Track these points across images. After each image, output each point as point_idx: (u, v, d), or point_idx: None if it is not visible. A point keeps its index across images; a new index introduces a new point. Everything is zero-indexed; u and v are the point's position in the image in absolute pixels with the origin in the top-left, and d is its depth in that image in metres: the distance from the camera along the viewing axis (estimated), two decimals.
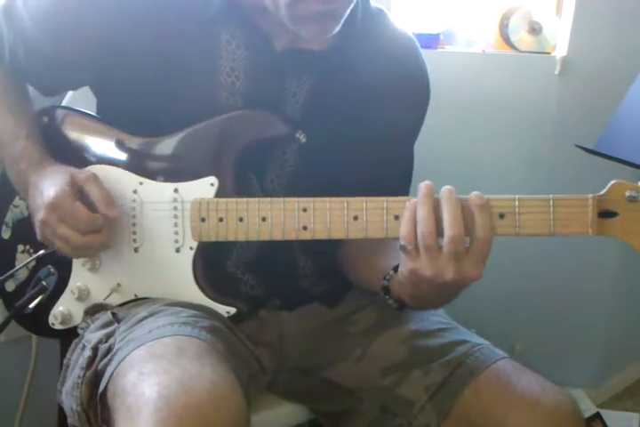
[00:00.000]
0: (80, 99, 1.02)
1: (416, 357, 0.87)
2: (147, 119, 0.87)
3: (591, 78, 1.55)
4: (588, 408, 1.64)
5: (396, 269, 0.82)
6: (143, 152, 0.88)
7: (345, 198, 0.79)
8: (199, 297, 0.86)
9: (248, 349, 0.86)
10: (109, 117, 0.92)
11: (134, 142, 0.89)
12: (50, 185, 0.83)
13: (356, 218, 0.79)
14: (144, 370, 0.69)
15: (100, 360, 0.77)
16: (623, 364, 1.87)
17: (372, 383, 0.88)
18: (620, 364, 1.86)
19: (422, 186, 0.76)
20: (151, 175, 0.87)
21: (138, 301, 0.88)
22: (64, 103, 1.06)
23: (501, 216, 0.75)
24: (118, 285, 0.89)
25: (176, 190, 0.86)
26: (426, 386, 0.84)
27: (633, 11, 1.53)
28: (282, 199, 0.81)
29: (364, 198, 0.79)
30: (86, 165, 0.89)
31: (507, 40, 1.60)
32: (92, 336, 0.82)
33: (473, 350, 0.86)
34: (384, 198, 0.78)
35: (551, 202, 0.75)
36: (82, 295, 0.90)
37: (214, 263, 0.89)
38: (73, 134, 0.93)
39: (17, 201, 0.96)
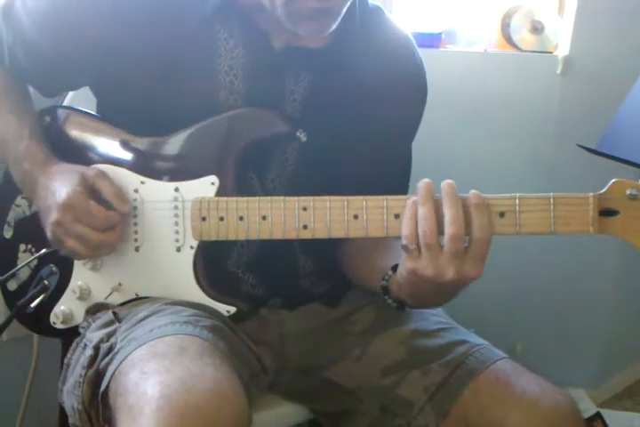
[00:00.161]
0: (80, 99, 1.02)
1: (415, 357, 0.87)
2: (147, 118, 0.87)
3: (593, 78, 1.55)
4: (589, 408, 1.64)
5: (394, 268, 0.82)
6: (144, 151, 0.88)
7: (345, 197, 0.79)
8: (200, 296, 0.86)
9: (249, 348, 0.86)
10: (109, 117, 0.92)
11: (135, 142, 0.89)
12: (61, 186, 0.83)
13: (356, 217, 0.79)
14: (146, 369, 0.70)
15: (102, 359, 0.78)
16: (623, 364, 1.88)
17: (372, 384, 0.88)
18: (621, 364, 1.86)
19: (422, 184, 0.75)
20: (152, 174, 0.87)
21: (139, 300, 0.88)
22: (65, 103, 1.06)
23: (502, 215, 0.75)
24: (119, 284, 0.89)
25: (177, 189, 0.86)
26: (425, 386, 0.84)
27: (635, 10, 1.53)
28: (282, 198, 0.81)
29: (363, 197, 0.79)
30: (88, 165, 0.89)
31: (509, 39, 1.60)
32: (93, 335, 0.82)
33: (472, 351, 0.86)
34: (384, 197, 0.78)
35: (552, 200, 0.75)
36: (83, 295, 0.90)
37: (215, 262, 0.89)
38: (75, 134, 0.93)
39: (19, 200, 0.96)
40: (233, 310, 0.86)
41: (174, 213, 0.86)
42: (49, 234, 0.84)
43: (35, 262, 0.94)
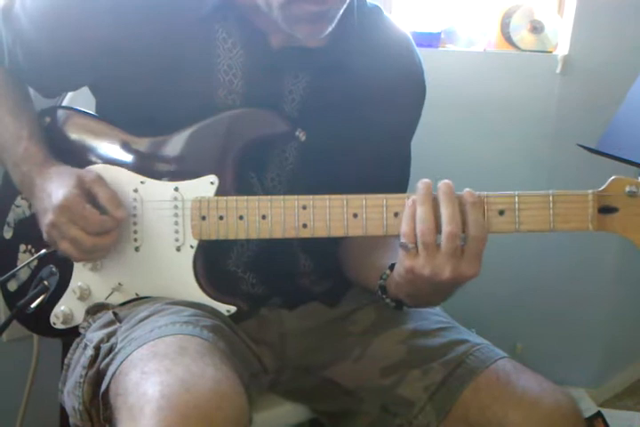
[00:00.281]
0: (79, 99, 1.02)
1: (415, 356, 0.87)
2: (146, 118, 0.87)
3: (593, 77, 1.55)
4: (589, 407, 1.64)
5: (391, 267, 0.82)
6: (144, 151, 0.88)
7: (344, 196, 0.79)
8: (200, 296, 0.86)
9: (249, 348, 0.86)
10: (109, 117, 0.92)
11: (134, 142, 0.89)
12: (57, 187, 0.83)
13: (355, 215, 0.79)
14: (146, 369, 0.70)
15: (102, 359, 0.78)
16: (624, 363, 1.87)
17: (372, 383, 0.88)
18: (621, 363, 1.86)
19: (421, 184, 0.76)
20: (152, 174, 0.87)
21: (139, 300, 0.88)
22: (64, 103, 1.06)
23: (501, 213, 0.75)
24: (119, 284, 0.89)
25: (176, 189, 0.86)
26: (425, 386, 0.84)
27: (634, 9, 1.53)
28: (282, 197, 0.81)
29: (363, 196, 0.79)
30: (88, 165, 0.89)
31: (508, 39, 1.60)
32: (93, 336, 0.82)
33: (473, 350, 0.86)
34: (383, 196, 0.78)
35: (551, 198, 0.75)
36: (83, 295, 0.90)
37: (215, 262, 0.90)
38: (75, 134, 0.93)
39: (19, 201, 0.96)
40: (233, 309, 0.86)
41: (174, 212, 0.86)
42: (45, 235, 0.85)
43: (35, 263, 0.94)
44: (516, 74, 1.56)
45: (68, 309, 0.91)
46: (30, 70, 0.93)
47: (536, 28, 1.59)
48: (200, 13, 0.85)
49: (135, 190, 0.87)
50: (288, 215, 0.81)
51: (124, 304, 0.89)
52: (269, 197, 0.82)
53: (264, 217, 0.81)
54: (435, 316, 0.94)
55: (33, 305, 0.89)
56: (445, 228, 0.73)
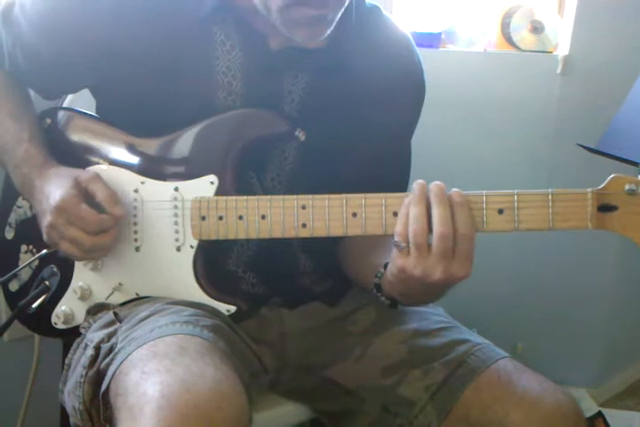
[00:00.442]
0: (80, 101, 1.02)
1: (416, 356, 0.87)
2: (146, 119, 0.88)
3: (593, 77, 1.55)
4: (590, 407, 1.63)
5: (386, 266, 0.82)
6: (144, 152, 0.89)
7: (344, 195, 0.79)
8: (200, 296, 0.86)
9: (249, 347, 0.86)
10: (109, 118, 0.92)
11: (135, 142, 0.89)
12: (55, 188, 0.84)
13: (354, 215, 0.79)
14: (146, 369, 0.70)
15: (103, 359, 0.78)
16: (625, 363, 1.87)
17: (373, 383, 0.88)
18: (622, 363, 1.86)
19: (416, 185, 0.76)
20: (152, 174, 0.87)
21: (139, 300, 0.88)
22: (64, 105, 1.06)
23: (500, 211, 0.75)
24: (120, 284, 0.89)
25: (176, 189, 0.86)
26: (426, 386, 0.84)
27: (634, 9, 1.53)
28: (281, 197, 0.81)
29: (362, 195, 0.79)
30: (88, 166, 0.89)
31: (508, 39, 1.60)
32: (94, 336, 0.82)
33: (474, 350, 0.86)
34: (383, 195, 0.78)
35: (550, 196, 0.75)
36: (84, 295, 0.90)
37: (215, 262, 0.90)
38: (75, 135, 0.94)
39: (20, 202, 0.97)
40: (233, 309, 0.86)
41: (174, 212, 0.86)
42: (45, 237, 0.85)
43: (36, 263, 0.94)
44: (516, 74, 1.56)
45: (68, 309, 0.91)
46: (30, 72, 0.94)
47: (536, 29, 1.59)
48: (199, 15, 0.85)
49: (135, 190, 0.87)
50: (287, 215, 0.81)
51: (124, 304, 0.89)
52: (269, 196, 0.82)
53: (263, 217, 0.81)
54: (436, 316, 0.94)
55: (34, 305, 0.89)
56: (437, 228, 0.73)
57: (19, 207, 0.97)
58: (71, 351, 0.86)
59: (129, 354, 0.74)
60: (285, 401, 0.97)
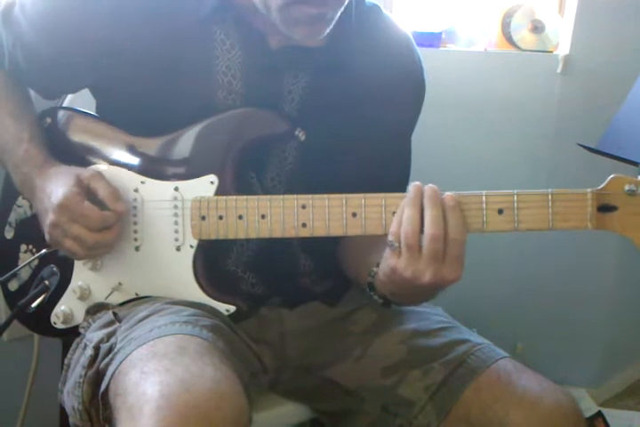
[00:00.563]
0: (79, 100, 1.02)
1: (416, 356, 0.87)
2: (146, 119, 0.88)
3: (593, 77, 1.55)
4: (590, 407, 1.64)
5: (379, 265, 0.82)
6: (144, 151, 0.89)
7: (343, 195, 0.79)
8: (199, 295, 0.86)
9: (249, 347, 0.86)
10: (109, 118, 0.92)
11: (135, 142, 0.89)
12: (57, 187, 0.84)
13: (354, 215, 0.79)
14: (145, 369, 0.70)
15: (102, 359, 0.78)
16: (625, 363, 1.87)
17: (373, 383, 0.88)
18: (622, 363, 1.86)
19: (411, 187, 0.77)
20: (152, 174, 0.87)
21: (139, 299, 0.88)
22: (64, 104, 1.06)
23: (500, 212, 0.75)
24: (119, 284, 0.89)
25: (176, 189, 0.86)
26: (426, 386, 0.84)
27: (634, 9, 1.53)
28: (281, 197, 0.81)
29: (362, 195, 0.79)
30: (88, 165, 0.89)
31: (509, 39, 1.60)
32: (93, 336, 0.82)
33: (473, 350, 0.86)
34: (382, 195, 0.78)
35: (550, 197, 0.75)
36: (83, 294, 0.90)
37: (215, 262, 0.90)
38: (75, 135, 0.94)
39: (20, 201, 0.97)
40: (232, 309, 0.86)
41: (174, 212, 0.86)
42: (47, 236, 0.85)
43: (35, 263, 0.94)
44: (516, 74, 1.56)
45: (68, 308, 0.91)
46: (30, 72, 0.94)
47: (537, 28, 1.59)
48: (199, 15, 0.85)
49: (135, 190, 0.87)
50: (287, 215, 0.81)
51: (123, 304, 0.89)
52: (269, 196, 0.82)
53: (263, 217, 0.81)
54: (435, 316, 0.94)
55: (33, 305, 0.89)
56: (428, 230, 0.74)
57: (18, 207, 0.97)
58: (70, 351, 0.86)
59: (128, 354, 0.73)
60: (285, 401, 0.97)
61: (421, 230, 0.75)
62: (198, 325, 0.77)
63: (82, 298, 0.90)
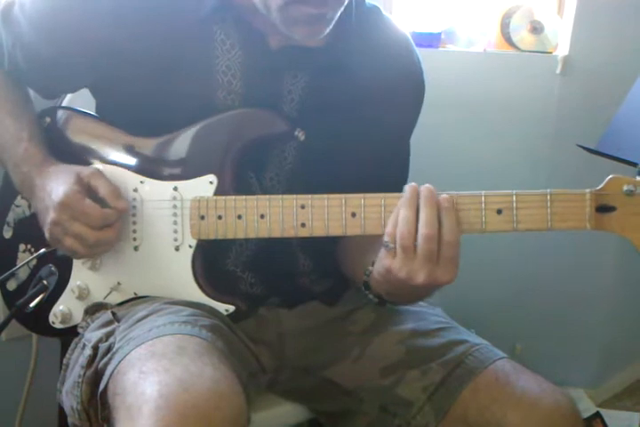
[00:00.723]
0: (79, 100, 1.02)
1: (414, 357, 0.88)
2: (146, 119, 0.88)
3: (592, 78, 1.55)
4: (588, 408, 1.64)
5: (374, 264, 0.82)
6: (144, 151, 0.89)
7: (343, 195, 0.79)
8: (198, 295, 0.86)
9: (248, 347, 0.86)
10: (109, 117, 0.92)
11: (134, 142, 0.89)
12: (57, 185, 0.84)
13: (354, 215, 0.79)
14: (144, 369, 0.70)
15: (101, 359, 0.78)
16: (623, 364, 1.87)
17: (372, 383, 0.89)
18: (620, 364, 1.86)
19: (408, 188, 0.77)
20: (151, 174, 0.87)
21: (137, 299, 0.88)
22: (64, 104, 1.06)
23: (499, 212, 0.76)
24: (118, 283, 0.89)
25: (176, 189, 0.86)
26: (424, 386, 0.85)
27: (634, 10, 1.53)
28: (280, 196, 0.81)
29: (361, 195, 0.79)
30: (88, 165, 0.89)
31: (508, 39, 1.60)
32: (91, 335, 0.82)
33: (472, 350, 0.86)
34: (382, 195, 0.79)
35: (548, 197, 0.75)
36: (82, 294, 0.90)
37: (213, 261, 0.90)
38: (75, 135, 0.94)
39: (19, 200, 0.97)
40: (232, 308, 0.86)
41: (173, 212, 0.86)
42: (47, 234, 0.85)
43: (34, 262, 0.94)
44: (515, 74, 1.56)
45: (66, 308, 0.91)
46: (30, 71, 0.94)
47: (536, 29, 1.59)
48: (199, 14, 0.85)
49: (135, 190, 0.87)
50: (286, 215, 0.81)
51: (122, 304, 0.89)
52: (268, 196, 0.82)
53: (262, 216, 0.81)
54: (434, 316, 0.94)
55: (32, 304, 0.89)
56: (422, 230, 0.74)
57: (17, 206, 0.97)
58: (69, 351, 0.86)
59: (127, 354, 0.74)
60: (284, 401, 0.97)
61: (417, 231, 0.75)
62: (197, 325, 0.77)
63: (80, 298, 0.90)
